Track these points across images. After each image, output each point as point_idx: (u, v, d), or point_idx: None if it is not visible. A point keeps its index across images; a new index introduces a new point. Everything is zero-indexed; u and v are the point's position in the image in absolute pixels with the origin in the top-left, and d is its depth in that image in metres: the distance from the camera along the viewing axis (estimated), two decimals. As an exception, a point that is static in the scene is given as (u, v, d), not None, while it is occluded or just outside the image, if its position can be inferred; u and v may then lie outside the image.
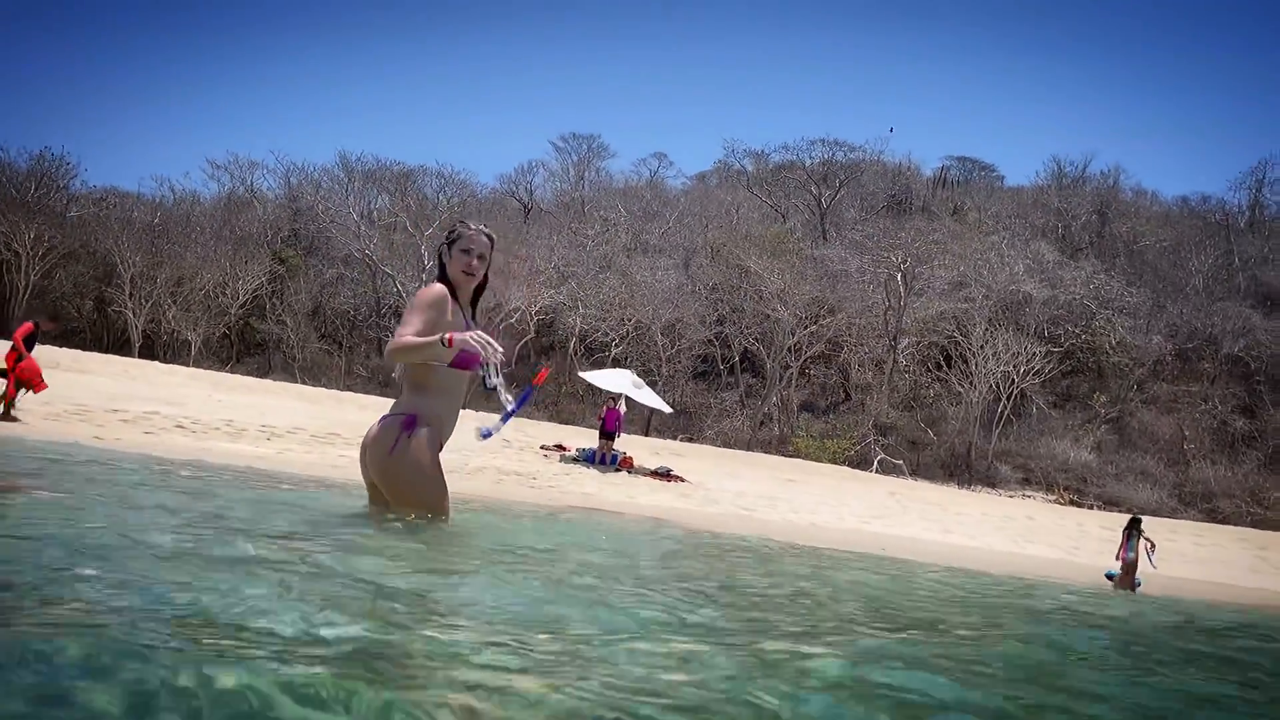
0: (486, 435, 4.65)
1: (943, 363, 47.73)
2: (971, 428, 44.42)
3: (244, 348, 48.92)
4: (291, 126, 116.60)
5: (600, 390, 27.32)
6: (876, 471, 39.34)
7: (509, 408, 4.42)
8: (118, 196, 56.28)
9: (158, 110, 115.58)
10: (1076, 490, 40.59)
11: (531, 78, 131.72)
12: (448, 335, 4.03)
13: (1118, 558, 13.77)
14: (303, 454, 17.60)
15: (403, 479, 4.41)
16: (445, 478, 4.58)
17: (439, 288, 4.39)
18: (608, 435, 21.78)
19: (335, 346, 50.05)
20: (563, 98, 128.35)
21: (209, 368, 40.51)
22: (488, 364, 4.21)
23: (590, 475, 20.27)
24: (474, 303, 4.67)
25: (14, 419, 14.72)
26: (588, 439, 25.88)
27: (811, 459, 39.10)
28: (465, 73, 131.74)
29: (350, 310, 51.82)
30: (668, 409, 25.35)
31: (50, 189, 51.79)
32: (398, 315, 51.60)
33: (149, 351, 43.76)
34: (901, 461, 41.95)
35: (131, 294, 45.40)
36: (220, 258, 47.81)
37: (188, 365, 39.94)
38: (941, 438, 45.28)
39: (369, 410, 26.19)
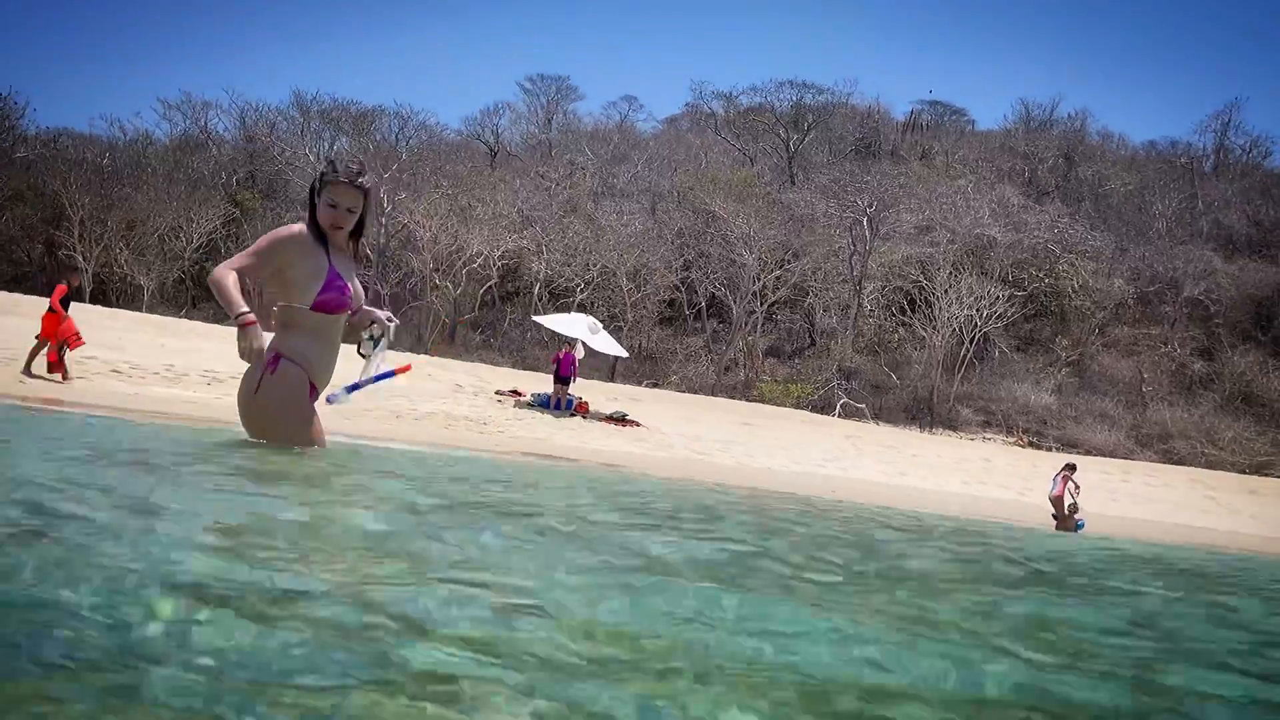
0: (331, 400, 4.55)
1: (907, 307, 47.75)
2: (934, 371, 44.60)
3: (200, 293, 47.97)
4: (246, 65, 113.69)
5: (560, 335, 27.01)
6: (839, 416, 39.44)
7: (360, 379, 4.47)
8: (70, 137, 54.66)
9: (109, 48, 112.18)
10: (1036, 433, 40.96)
11: (498, 17, 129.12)
12: (247, 320, 4.06)
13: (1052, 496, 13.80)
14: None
15: (268, 415, 4.26)
16: (319, 419, 4.43)
17: (295, 229, 4.26)
18: (562, 380, 21.53)
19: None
20: (531, 38, 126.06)
21: (163, 313, 39.65)
22: (370, 336, 4.46)
23: (544, 421, 20.05)
24: (355, 239, 4.44)
25: (68, 377, 15.26)
26: (547, 385, 25.61)
27: (775, 404, 39.10)
28: (429, 9, 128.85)
29: (311, 255, 50.74)
30: (624, 354, 25.11)
31: (-2, 129, 50.25)
32: (360, 260, 51.28)
33: (101, 297, 42.74)
34: (864, 405, 42.08)
35: (81, 237, 44.20)
36: (174, 200, 46.59)
37: (140, 311, 39.08)
38: (904, 382, 45.47)
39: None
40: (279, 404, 4.21)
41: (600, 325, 24.09)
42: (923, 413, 43.31)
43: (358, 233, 4.41)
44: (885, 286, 49.45)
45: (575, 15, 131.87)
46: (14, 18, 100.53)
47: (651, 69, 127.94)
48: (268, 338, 4.24)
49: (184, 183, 49.68)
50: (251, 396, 4.22)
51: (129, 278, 44.50)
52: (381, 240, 48.92)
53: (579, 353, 22.01)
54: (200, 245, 46.73)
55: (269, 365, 4.16)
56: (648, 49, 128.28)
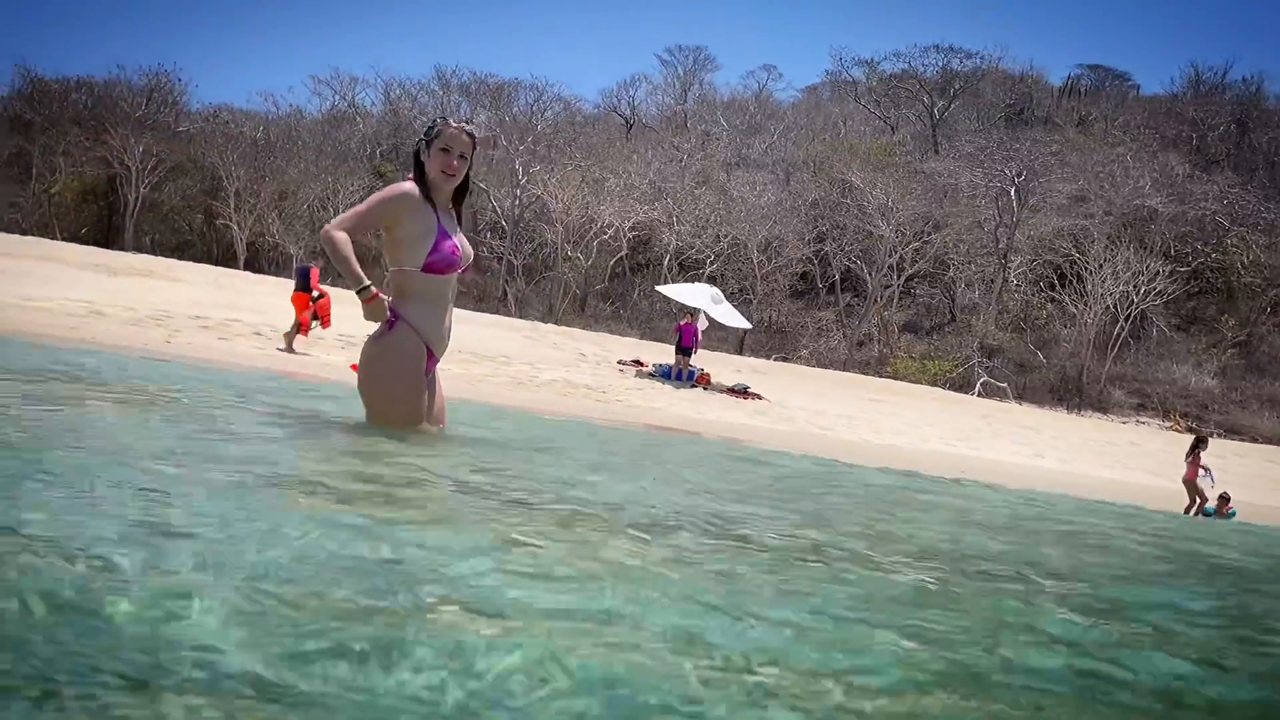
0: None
1: (1056, 282, 45.35)
2: (1084, 350, 42.26)
3: (346, 262, 49.84)
4: (391, 41, 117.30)
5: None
6: (979, 395, 37.82)
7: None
8: (230, 113, 57.59)
9: (266, 27, 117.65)
10: (1196, 418, 38.26)
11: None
12: (370, 295, 3.98)
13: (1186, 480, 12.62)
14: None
15: (381, 383, 4.19)
16: (442, 397, 4.45)
17: (406, 186, 4.16)
18: (684, 351, 21.24)
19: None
20: (670, 10, 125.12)
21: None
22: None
23: (663, 391, 19.83)
24: (458, 202, 4.38)
25: (293, 351, 16.28)
26: (671, 355, 25.37)
27: (910, 381, 37.81)
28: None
29: (447, 226, 52.11)
30: (747, 325, 24.60)
31: (162, 105, 53.28)
32: (493, 230, 52.13)
33: (254, 265, 44.92)
34: (1006, 385, 40.23)
35: (236, 207, 46.55)
36: (322, 172, 48.48)
37: (290, 278, 40.83)
38: (1051, 361, 43.27)
39: (460, 322, 26.30)
40: (393, 372, 4.14)
41: (723, 296, 23.65)
42: (1070, 394, 41.13)
43: (462, 192, 4.37)
44: (1033, 260, 47.14)
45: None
46: (185, 2, 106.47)
47: (792, 37, 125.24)
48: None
49: (332, 155, 51.64)
50: (368, 361, 4.16)
51: (279, 246, 46.53)
52: (515, 211, 49.65)
53: (701, 323, 21.66)
54: (345, 216, 48.46)
55: (389, 321, 4.09)
56: (788, 17, 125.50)
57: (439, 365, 4.34)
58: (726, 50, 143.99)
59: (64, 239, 39.95)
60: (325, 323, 16.91)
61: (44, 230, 42.92)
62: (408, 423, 4.17)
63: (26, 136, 49.10)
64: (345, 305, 22.44)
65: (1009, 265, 46.81)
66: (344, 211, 4.26)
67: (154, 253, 40.60)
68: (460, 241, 4.26)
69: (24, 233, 39.09)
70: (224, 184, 46.98)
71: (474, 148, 4.26)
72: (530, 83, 59.55)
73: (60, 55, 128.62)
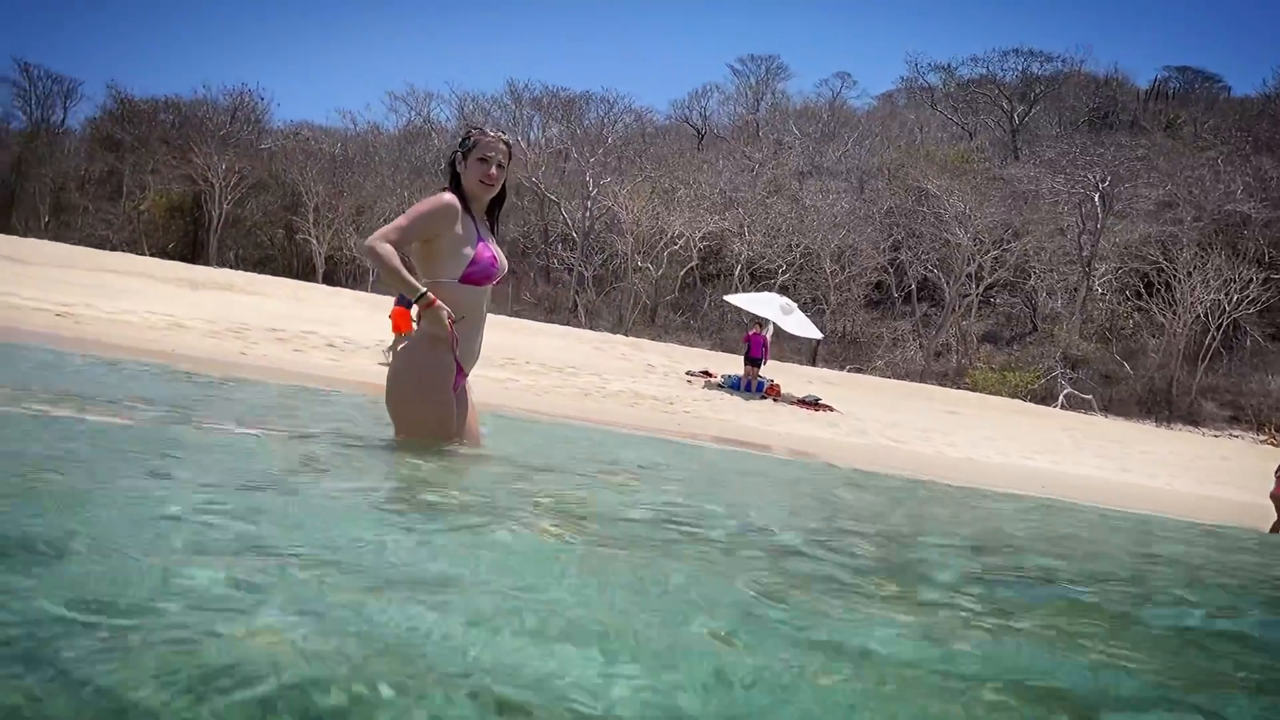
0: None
1: (1143, 290, 43.80)
2: (1174, 361, 40.70)
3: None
4: (465, 57, 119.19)
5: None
6: (1061, 407, 36.65)
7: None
8: (309, 130, 59.12)
9: (344, 47, 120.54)
10: (1293, 431, 36.52)
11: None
12: (430, 301, 3.90)
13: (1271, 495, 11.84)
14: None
15: (406, 395, 4.11)
16: (474, 410, 4.35)
17: (447, 198, 4.04)
18: (753, 361, 20.93)
19: (507, 274, 51.05)
20: (741, 20, 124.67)
21: (386, 294, 42.01)
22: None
23: (731, 402, 19.57)
24: (492, 215, 4.30)
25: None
26: (741, 366, 25.09)
27: (989, 392, 36.81)
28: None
29: (520, 238, 52.68)
30: (819, 335, 24.16)
31: (245, 123, 54.95)
32: (565, 242, 52.41)
33: (332, 278, 45.86)
34: (1091, 397, 38.93)
35: (315, 222, 47.66)
36: (398, 186, 49.37)
37: (366, 291, 41.58)
38: (1139, 372, 41.77)
39: (519, 334, 26.36)
40: (420, 386, 4.07)
41: (794, 306, 23.28)
42: (1159, 406, 39.64)
43: (498, 202, 4.29)
44: (1119, 268, 45.63)
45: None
46: (263, 20, 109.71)
47: (866, 44, 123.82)
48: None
49: (407, 170, 52.58)
50: (395, 374, 4.13)
51: (357, 260, 47.43)
52: (586, 223, 49.85)
53: (767, 333, 21.35)
54: (420, 230, 49.29)
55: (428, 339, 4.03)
56: (862, 24, 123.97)
57: (469, 378, 4.25)
58: (800, 58, 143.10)
59: (152, 255, 41.32)
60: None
61: (133, 246, 44.47)
62: (435, 437, 4.07)
63: (118, 156, 51.00)
64: (375, 311, 22.57)
65: (1093, 273, 45.39)
66: (397, 220, 4.10)
67: (237, 267, 41.78)
68: (496, 252, 4.17)
69: (114, 249, 40.55)
70: (303, 199, 48.15)
71: (510, 157, 4.19)
72: (601, 95, 59.93)
73: (150, 76, 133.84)
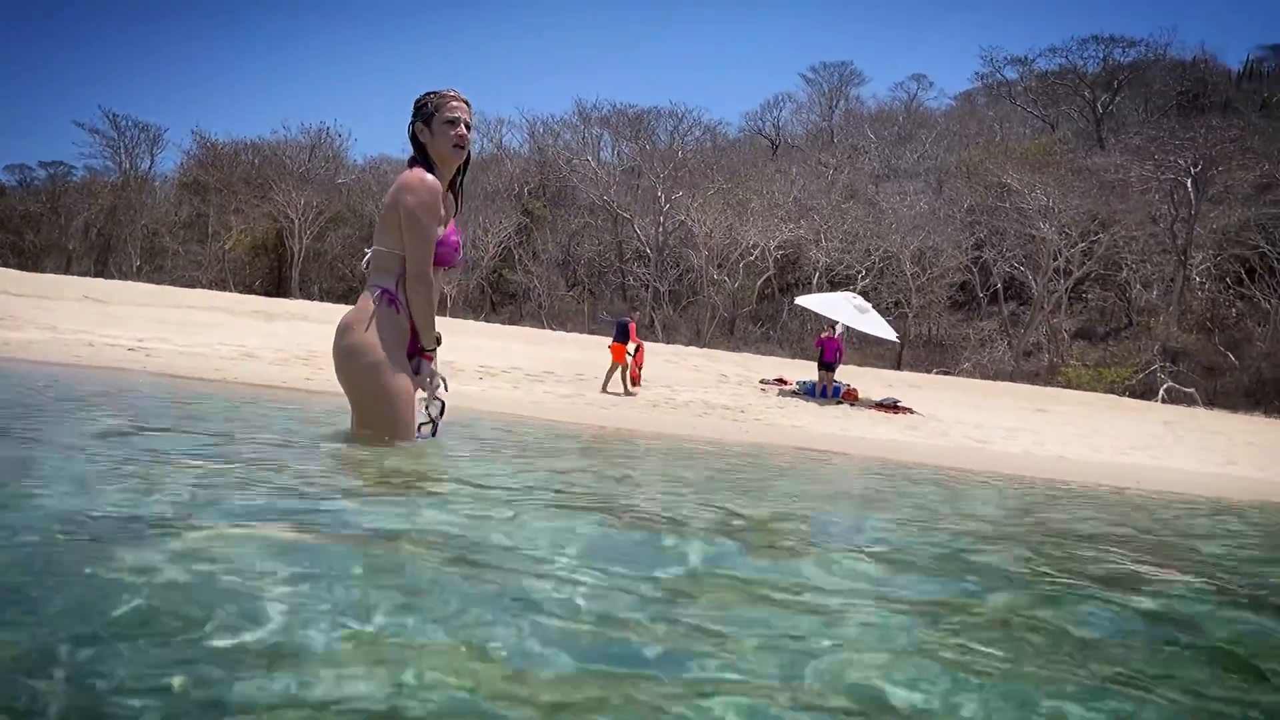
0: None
1: (1245, 277, 41.60)
2: (1282, 349, 38.49)
3: (498, 298, 51.07)
4: (534, 81, 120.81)
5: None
6: (1162, 401, 34.88)
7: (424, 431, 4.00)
8: (388, 164, 60.32)
9: (418, 80, 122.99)
10: None
11: (778, 8, 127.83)
12: (437, 345, 3.96)
13: None
14: (509, 391, 17.48)
15: (366, 359, 3.77)
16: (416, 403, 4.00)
17: (429, 178, 3.79)
18: (827, 366, 20.27)
19: (583, 293, 51.18)
20: (812, 32, 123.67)
21: (464, 318, 42.41)
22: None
23: (807, 409, 18.95)
24: (456, 184, 4.05)
25: (632, 393, 17.56)
26: (815, 373, 24.42)
27: (1085, 389, 35.27)
28: (707, 11, 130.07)
29: (594, 257, 52.76)
30: (894, 336, 23.36)
31: (323, 160, 56.35)
32: (639, 259, 52.18)
33: (410, 306, 46.53)
34: (1194, 390, 37.00)
35: (393, 252, 48.42)
36: (472, 213, 49.90)
37: (444, 316, 42.01)
38: (1245, 362, 39.60)
39: (590, 349, 26.12)
40: (386, 345, 3.76)
41: (869, 305, 22.54)
42: (1268, 396, 37.45)
43: (463, 169, 4.04)
44: (1218, 255, 43.44)
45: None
46: (341, 61, 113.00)
47: (941, 44, 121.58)
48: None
49: (480, 196, 53.08)
50: (359, 332, 3.77)
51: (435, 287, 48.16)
52: (659, 238, 49.61)
53: (838, 332, 20.69)
54: (495, 253, 49.67)
55: (387, 301, 3.78)
56: (936, 24, 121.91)
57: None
58: (873, 63, 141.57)
59: (238, 291, 42.46)
60: (635, 376, 17.72)
61: (220, 285, 45.81)
62: (406, 426, 3.76)
63: (203, 199, 52.73)
64: (468, 337, 22.51)
65: (1189, 262, 43.31)
66: (415, 240, 3.76)
67: (320, 299, 42.61)
68: (460, 237, 4.02)
69: (204, 289, 41.77)
70: (380, 230, 49.03)
71: (471, 114, 3.98)
72: (670, 110, 59.79)
73: (232, 118, 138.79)
